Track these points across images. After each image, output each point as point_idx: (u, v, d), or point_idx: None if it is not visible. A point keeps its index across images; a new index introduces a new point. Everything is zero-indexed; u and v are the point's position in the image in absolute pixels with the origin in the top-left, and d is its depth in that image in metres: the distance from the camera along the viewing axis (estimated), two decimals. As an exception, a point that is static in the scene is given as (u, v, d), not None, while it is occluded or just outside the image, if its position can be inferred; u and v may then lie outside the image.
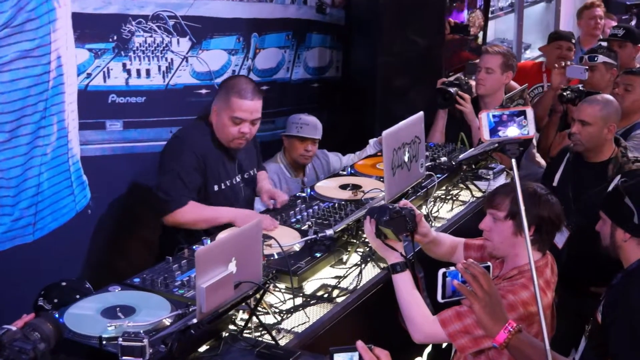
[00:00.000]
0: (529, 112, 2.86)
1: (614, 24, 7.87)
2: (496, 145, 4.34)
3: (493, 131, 2.86)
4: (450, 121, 5.42)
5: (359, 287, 3.52)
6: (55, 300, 3.26)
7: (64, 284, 3.37)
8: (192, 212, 4.07)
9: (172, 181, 4.08)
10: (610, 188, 4.16)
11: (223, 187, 4.26)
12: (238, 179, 4.35)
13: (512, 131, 2.86)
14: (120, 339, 2.68)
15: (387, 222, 3.26)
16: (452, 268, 2.86)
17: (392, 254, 3.27)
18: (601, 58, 5.88)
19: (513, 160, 2.88)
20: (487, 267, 2.93)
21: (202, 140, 4.20)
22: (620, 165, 4.61)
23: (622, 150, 4.69)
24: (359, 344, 2.37)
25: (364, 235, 3.85)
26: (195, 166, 4.12)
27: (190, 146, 4.14)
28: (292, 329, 3.20)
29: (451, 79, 5.57)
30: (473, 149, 4.81)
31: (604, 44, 6.27)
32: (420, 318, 3.19)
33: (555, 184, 4.83)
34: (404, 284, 3.24)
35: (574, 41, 6.78)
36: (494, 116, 2.86)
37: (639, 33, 6.91)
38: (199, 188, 4.16)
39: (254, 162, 4.53)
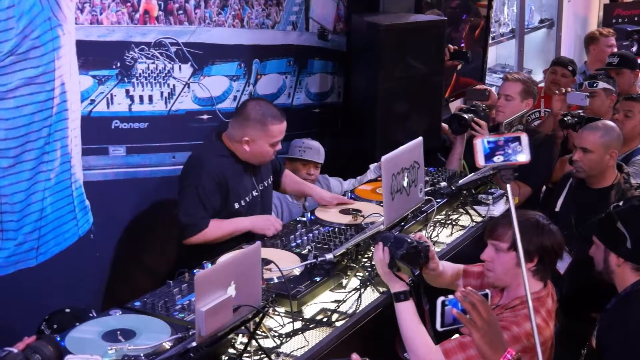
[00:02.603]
0: (524, 138, 2.90)
1: (615, 49, 7.92)
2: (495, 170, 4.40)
3: (488, 157, 2.91)
4: (469, 148, 5.44)
5: (358, 311, 3.53)
6: (55, 326, 3.28)
7: (67, 310, 3.39)
8: (214, 230, 4.17)
9: (193, 204, 4.16)
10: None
11: (243, 203, 4.33)
12: (255, 193, 4.41)
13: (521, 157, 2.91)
14: (121, 362, 2.71)
15: (403, 257, 3.22)
16: (451, 296, 2.87)
17: (397, 283, 3.25)
18: (601, 84, 5.92)
19: (508, 186, 2.93)
20: (486, 295, 2.95)
21: (220, 161, 4.26)
22: (622, 192, 4.62)
23: (624, 177, 4.71)
24: (354, 356, 2.41)
25: (364, 260, 3.88)
26: (215, 188, 4.19)
27: (209, 169, 4.20)
28: (292, 353, 3.21)
29: (456, 104, 5.59)
30: (473, 173, 4.83)
31: (602, 71, 6.32)
32: (422, 347, 3.17)
33: (557, 209, 4.85)
34: (407, 313, 3.21)
35: (570, 68, 6.81)
36: (489, 142, 2.91)
37: (634, 58, 6.96)
38: (219, 208, 4.24)
39: (269, 170, 4.60)
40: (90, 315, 3.34)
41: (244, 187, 4.34)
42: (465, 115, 5.34)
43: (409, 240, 3.27)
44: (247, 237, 4.19)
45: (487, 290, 3.02)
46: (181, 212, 4.19)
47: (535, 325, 3.12)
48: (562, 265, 4.49)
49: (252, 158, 4.31)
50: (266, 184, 4.55)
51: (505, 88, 5.51)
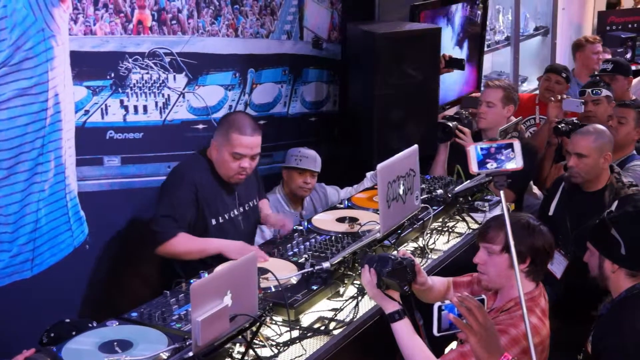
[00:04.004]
0: (516, 144, 2.93)
1: (608, 57, 7.93)
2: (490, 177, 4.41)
3: (481, 163, 2.92)
4: (453, 154, 5.45)
5: (355, 319, 3.53)
6: (52, 335, 3.27)
7: (67, 320, 3.37)
8: (183, 244, 4.12)
9: (163, 214, 4.14)
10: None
11: (221, 220, 4.28)
12: (237, 212, 4.37)
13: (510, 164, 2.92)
14: (117, 372, 2.70)
15: (390, 274, 3.20)
16: (447, 301, 2.89)
17: (389, 303, 3.22)
18: (604, 92, 5.93)
19: (502, 192, 2.94)
20: (482, 300, 2.96)
21: (199, 174, 4.24)
22: (616, 191, 4.64)
23: (616, 176, 4.72)
24: None
25: (361, 265, 3.87)
26: (189, 200, 4.16)
27: (187, 181, 4.19)
28: (289, 362, 3.20)
29: (451, 112, 5.61)
30: (469, 181, 4.83)
31: (598, 78, 6.32)
32: None
33: (551, 213, 4.85)
34: (404, 331, 3.19)
35: (564, 75, 6.81)
36: (481, 149, 2.92)
37: (628, 65, 6.98)
38: (192, 222, 4.20)
39: (254, 193, 4.56)
40: (90, 325, 3.33)
41: (224, 204, 4.31)
42: (450, 123, 5.36)
43: (393, 258, 3.26)
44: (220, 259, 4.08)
45: (483, 296, 3.03)
46: (151, 220, 4.18)
47: (532, 325, 3.17)
48: (558, 269, 4.49)
49: (218, 168, 4.27)
50: (251, 205, 4.51)
51: (486, 95, 5.52)
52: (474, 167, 2.97)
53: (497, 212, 4.75)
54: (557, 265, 4.48)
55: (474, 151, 2.96)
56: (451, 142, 5.46)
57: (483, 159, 2.94)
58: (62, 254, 4.38)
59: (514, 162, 2.95)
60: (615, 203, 4.57)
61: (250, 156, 4.23)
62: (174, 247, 4.12)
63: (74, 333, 3.19)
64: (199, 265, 3.89)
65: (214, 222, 4.26)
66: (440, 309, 2.88)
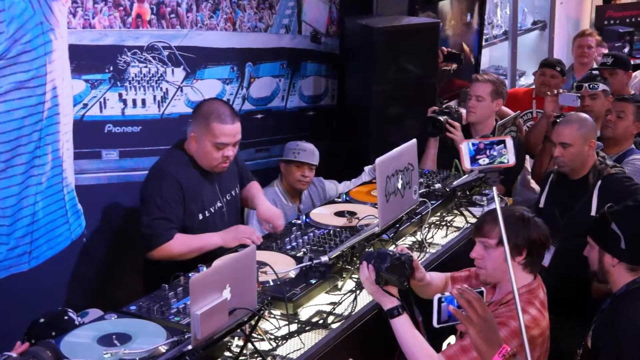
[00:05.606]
0: (508, 141, 2.95)
1: (606, 51, 7.92)
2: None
3: (473, 159, 2.94)
4: (442, 148, 5.46)
5: (353, 313, 3.52)
6: (32, 341, 3.24)
7: (42, 320, 3.32)
8: (180, 245, 4.06)
9: (155, 216, 4.06)
10: (594, 209, 4.37)
11: (207, 214, 4.23)
12: (220, 204, 4.32)
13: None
14: (116, 366, 2.69)
15: (389, 269, 3.21)
16: (447, 293, 2.91)
17: (388, 299, 3.23)
18: (601, 86, 5.92)
19: (494, 188, 2.96)
20: (481, 293, 2.97)
21: (181, 170, 4.16)
22: (598, 172, 4.65)
23: (600, 159, 4.73)
24: None
25: (359, 262, 3.86)
26: (176, 198, 4.08)
27: (170, 178, 4.10)
28: (287, 356, 3.20)
29: (442, 107, 5.62)
30: (467, 175, 4.83)
31: (596, 72, 6.31)
32: (425, 357, 3.16)
33: (541, 205, 4.86)
34: (404, 327, 3.20)
35: (558, 69, 6.80)
36: (473, 144, 2.94)
37: (628, 59, 6.97)
38: (182, 219, 4.14)
39: (234, 180, 4.48)
40: (66, 318, 3.29)
41: (208, 197, 4.24)
42: (441, 118, 5.36)
43: (392, 254, 3.27)
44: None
45: (482, 288, 3.04)
46: (143, 225, 4.09)
47: (532, 317, 3.18)
48: (545, 258, 4.49)
49: (200, 159, 4.18)
50: (233, 194, 4.45)
51: (475, 89, 5.52)
52: (466, 164, 3.00)
53: (494, 205, 4.75)
54: (546, 255, 4.49)
55: (466, 148, 2.98)
56: (440, 136, 5.46)
57: (475, 155, 2.96)
58: (59, 247, 4.38)
59: (506, 159, 2.97)
60: (599, 183, 4.59)
61: (232, 144, 4.18)
62: (171, 250, 4.05)
63: (53, 334, 3.14)
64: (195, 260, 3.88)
65: (200, 216, 4.20)
66: (440, 301, 2.90)
